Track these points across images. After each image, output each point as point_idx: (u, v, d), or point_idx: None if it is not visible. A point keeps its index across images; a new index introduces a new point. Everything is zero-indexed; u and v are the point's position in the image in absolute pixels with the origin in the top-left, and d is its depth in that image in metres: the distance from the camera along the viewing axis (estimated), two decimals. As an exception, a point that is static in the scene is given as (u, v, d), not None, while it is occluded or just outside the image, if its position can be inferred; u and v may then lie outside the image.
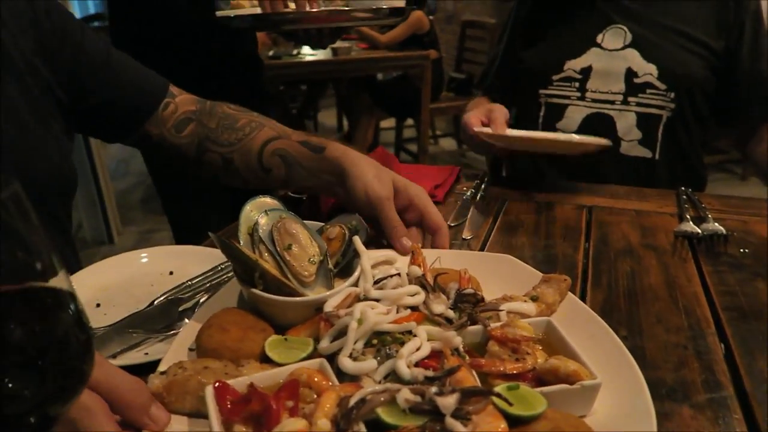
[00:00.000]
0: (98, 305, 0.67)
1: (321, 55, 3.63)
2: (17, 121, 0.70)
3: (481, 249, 0.82)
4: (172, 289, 0.67)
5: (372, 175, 0.69)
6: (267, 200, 0.60)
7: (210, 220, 1.26)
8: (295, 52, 3.61)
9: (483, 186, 1.03)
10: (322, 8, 1.13)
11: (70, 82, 0.76)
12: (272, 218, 0.58)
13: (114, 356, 0.56)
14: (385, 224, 0.67)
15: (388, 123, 4.37)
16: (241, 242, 0.57)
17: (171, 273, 0.72)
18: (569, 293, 0.59)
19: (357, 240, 0.60)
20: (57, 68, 0.75)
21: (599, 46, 1.22)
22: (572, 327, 0.52)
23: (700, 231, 0.82)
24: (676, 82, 1.16)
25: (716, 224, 0.83)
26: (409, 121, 4.25)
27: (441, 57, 3.89)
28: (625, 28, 1.19)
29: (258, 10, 1.06)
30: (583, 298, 0.68)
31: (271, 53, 3.53)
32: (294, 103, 5.47)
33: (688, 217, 0.86)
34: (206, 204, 1.31)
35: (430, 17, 4.07)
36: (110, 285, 0.70)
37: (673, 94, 1.17)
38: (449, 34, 5.20)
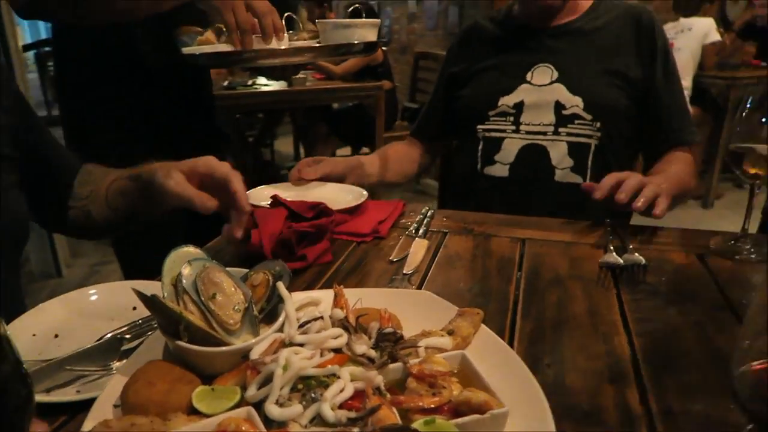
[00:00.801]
0: (56, 336, 0.69)
1: (276, 85, 3.65)
2: None
3: (420, 283, 0.84)
4: (126, 325, 0.68)
5: (163, 176, 0.79)
6: (191, 250, 0.61)
7: (159, 255, 1.25)
8: (250, 82, 3.62)
9: (425, 221, 1.06)
10: (295, 44, 1.15)
11: (24, 142, 0.82)
12: (196, 268, 0.59)
13: (47, 391, 0.57)
14: (187, 202, 0.77)
15: (345, 151, 4.41)
16: (165, 294, 0.57)
17: (134, 308, 0.73)
18: (482, 325, 0.61)
19: (281, 285, 0.61)
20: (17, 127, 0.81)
21: (529, 82, 1.29)
22: (485, 358, 0.55)
23: (621, 261, 0.86)
24: (600, 112, 1.23)
25: (636, 254, 0.88)
26: (365, 149, 4.30)
27: (395, 87, 3.97)
28: (551, 66, 1.28)
29: (226, 47, 1.08)
30: (512, 328, 0.71)
31: (226, 83, 3.53)
32: (251, 131, 5.47)
33: (611, 248, 0.90)
34: (155, 238, 1.29)
35: (384, 48, 4.17)
36: (72, 316, 0.72)
37: (598, 124, 1.24)
38: (403, 65, 5.32)
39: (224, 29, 1.05)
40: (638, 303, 0.76)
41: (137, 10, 1.05)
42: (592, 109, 1.24)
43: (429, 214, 1.09)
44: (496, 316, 0.74)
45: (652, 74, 1.25)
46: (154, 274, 0.79)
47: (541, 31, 1.32)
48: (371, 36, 1.16)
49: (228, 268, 0.62)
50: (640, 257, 0.87)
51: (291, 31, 1.37)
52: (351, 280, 0.85)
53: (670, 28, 3.73)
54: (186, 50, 1.11)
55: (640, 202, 0.92)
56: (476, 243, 0.99)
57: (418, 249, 0.94)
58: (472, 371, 0.53)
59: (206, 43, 1.13)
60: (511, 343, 0.67)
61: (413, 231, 1.02)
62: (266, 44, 1.03)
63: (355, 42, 1.10)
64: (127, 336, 0.66)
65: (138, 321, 0.69)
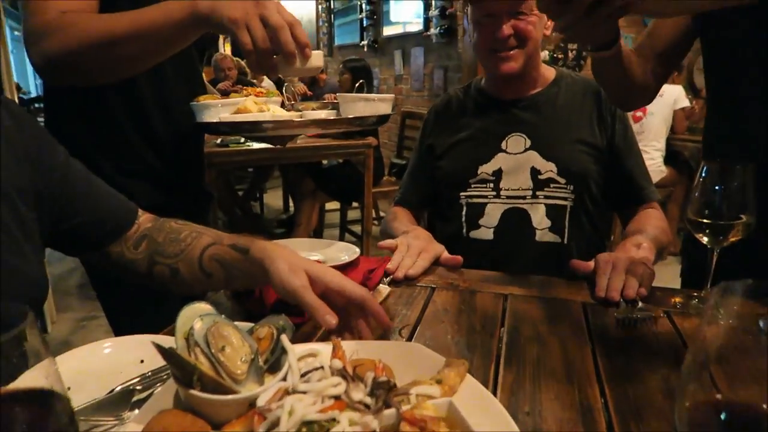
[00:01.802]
0: (69, 388, 0.71)
1: (267, 143, 3.78)
2: (10, 242, 0.76)
3: (410, 336, 0.90)
4: (135, 378, 0.72)
5: (287, 269, 0.78)
6: (202, 306, 0.67)
7: (146, 309, 1.23)
8: (242, 140, 3.74)
9: None
10: (313, 116, 1.22)
11: (52, 206, 0.84)
12: (206, 323, 0.65)
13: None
14: (306, 308, 0.76)
15: (334, 205, 4.50)
16: (178, 346, 0.63)
17: (142, 361, 0.77)
18: (468, 375, 0.67)
19: (284, 338, 0.67)
20: (44, 194, 0.82)
21: (505, 151, 1.41)
22: (470, 405, 0.61)
23: (635, 315, 0.94)
24: (572, 176, 1.34)
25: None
26: (354, 204, 4.40)
27: (379, 144, 4.11)
28: (524, 135, 1.39)
29: (249, 117, 1.12)
30: (495, 379, 0.77)
31: (219, 141, 3.64)
32: (240, 185, 5.57)
33: (623, 303, 0.99)
34: (142, 293, 1.27)
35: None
36: (83, 370, 0.75)
37: (572, 187, 1.34)
38: (391, 123, 5.48)
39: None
40: (610, 357, 0.83)
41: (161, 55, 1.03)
42: (565, 173, 1.34)
43: None
44: (481, 367, 0.80)
45: (613, 140, 1.39)
46: (143, 328, 0.85)
47: (510, 103, 1.44)
48: (387, 109, 1.27)
49: (236, 323, 0.68)
50: (650, 312, 0.95)
51: (294, 102, 1.47)
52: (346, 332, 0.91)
53: (643, 93, 3.94)
54: (207, 118, 1.18)
55: (631, 292, 1.00)
56: (462, 298, 1.05)
57: (378, 293, 1.06)
58: (459, 417, 0.59)
59: (245, 112, 1.20)
60: (494, 392, 0.73)
61: (383, 281, 1.11)
62: (290, 65, 0.94)
63: (373, 116, 1.20)
64: (138, 388, 0.71)
65: (147, 373, 0.74)
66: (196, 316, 0.66)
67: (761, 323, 0.37)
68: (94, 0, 1.04)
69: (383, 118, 1.23)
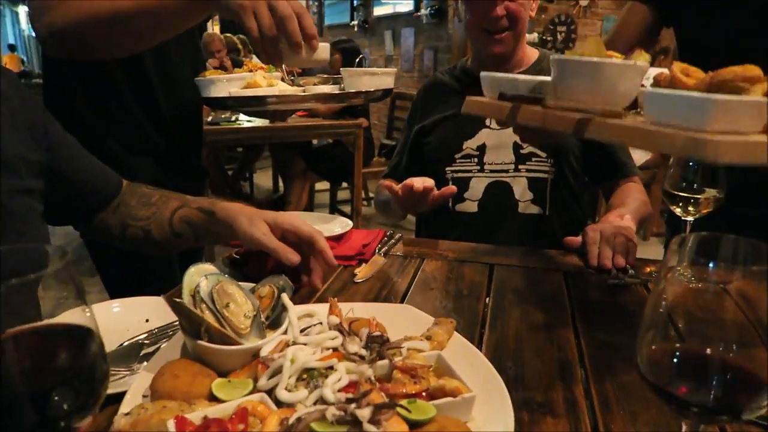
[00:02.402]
0: None
1: (258, 121, 3.79)
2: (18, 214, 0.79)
3: (402, 299, 0.96)
4: (143, 333, 0.78)
5: (247, 222, 0.88)
6: (206, 266, 0.72)
7: (145, 278, 1.24)
8: (233, 118, 3.75)
9: (390, 243, 1.21)
10: (318, 90, 1.23)
11: (50, 178, 0.87)
12: (211, 281, 0.69)
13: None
14: (270, 252, 0.85)
15: (324, 185, 4.53)
16: (185, 302, 0.67)
17: (147, 320, 0.83)
18: (455, 332, 0.73)
19: (284, 296, 0.72)
20: (43, 165, 0.86)
21: (488, 127, 1.45)
22: (457, 358, 0.66)
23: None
24: (552, 149, 1.39)
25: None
26: (344, 184, 4.43)
27: (370, 125, 4.13)
28: None
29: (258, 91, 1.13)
30: (481, 338, 0.83)
31: (209, 118, 3.64)
32: (230, 164, 5.57)
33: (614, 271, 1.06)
34: (141, 261, 1.25)
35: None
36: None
37: (552, 161, 1.39)
38: (381, 104, 5.51)
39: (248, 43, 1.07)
40: (586, 320, 0.89)
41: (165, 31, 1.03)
42: (546, 147, 1.39)
43: (396, 237, 1.23)
44: (468, 328, 0.85)
45: None
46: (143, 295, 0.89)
47: None
48: (391, 83, 1.30)
49: (239, 282, 0.73)
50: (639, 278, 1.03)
51: (293, 77, 1.49)
52: (340, 297, 0.96)
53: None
54: (213, 93, 1.17)
55: (621, 261, 1.08)
56: (450, 267, 1.11)
57: (374, 263, 1.11)
58: (447, 366, 0.65)
59: (255, 86, 1.21)
60: (479, 349, 0.78)
61: (377, 251, 1.16)
62: (295, 54, 0.94)
63: (378, 90, 1.22)
64: (146, 342, 0.76)
65: (154, 330, 0.79)
66: (201, 275, 0.70)
67: (710, 271, 0.42)
68: None
69: (387, 92, 1.27)
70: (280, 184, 5.29)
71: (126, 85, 1.19)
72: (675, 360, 0.45)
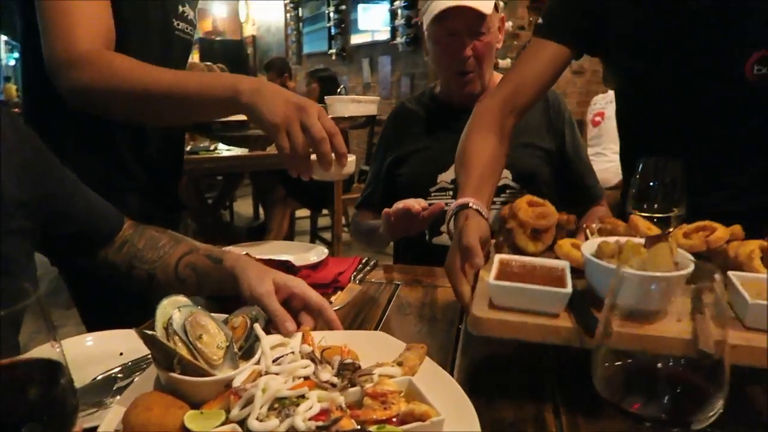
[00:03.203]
0: None
1: (237, 150, 3.80)
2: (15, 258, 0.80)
3: (377, 326, 0.97)
4: (116, 367, 0.78)
5: (254, 277, 0.85)
6: (180, 298, 0.72)
7: (123, 310, 1.24)
8: (212, 147, 3.76)
9: (366, 269, 1.22)
10: None
11: (49, 215, 0.87)
12: (185, 313, 0.70)
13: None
14: (269, 315, 0.82)
15: (304, 212, 4.54)
16: (158, 335, 0.68)
17: (121, 354, 0.82)
18: (426, 357, 0.74)
19: (257, 327, 0.73)
20: (42, 204, 0.85)
21: None
22: (427, 382, 0.67)
23: None
24: (527, 181, 1.43)
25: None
26: (324, 211, 4.44)
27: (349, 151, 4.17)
28: None
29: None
30: (453, 362, 0.85)
31: (188, 148, 3.65)
32: (210, 192, 5.55)
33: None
34: (119, 293, 1.26)
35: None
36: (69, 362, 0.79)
37: (526, 191, 1.42)
38: (360, 131, 5.56)
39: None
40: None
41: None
42: (520, 179, 1.43)
43: (371, 264, 1.24)
44: (441, 352, 0.87)
45: (563, 144, 1.47)
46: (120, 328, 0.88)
47: (464, 111, 1.51)
48: (374, 110, 1.34)
49: (212, 314, 0.73)
50: None
51: None
52: (315, 325, 0.97)
53: (600, 99, 4.11)
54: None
55: None
56: (425, 293, 1.12)
57: (349, 290, 1.11)
58: (416, 391, 0.66)
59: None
60: (451, 373, 0.80)
61: (353, 278, 1.17)
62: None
63: (362, 116, 1.25)
64: (119, 376, 0.76)
65: (128, 363, 0.79)
66: (174, 307, 0.71)
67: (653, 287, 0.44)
68: (110, 18, 1.05)
69: (371, 119, 1.30)
70: (261, 211, 5.29)
71: (119, 130, 1.19)
72: (626, 377, 0.47)
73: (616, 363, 0.47)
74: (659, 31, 1.09)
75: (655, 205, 0.99)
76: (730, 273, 0.76)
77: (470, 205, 0.93)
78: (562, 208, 1.55)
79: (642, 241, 0.78)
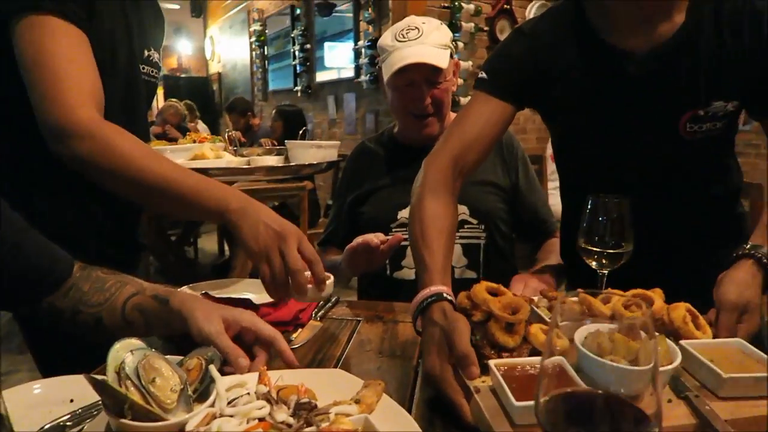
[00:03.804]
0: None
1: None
2: None
3: (336, 364, 0.97)
4: (66, 414, 0.75)
5: (202, 317, 0.84)
6: (133, 341, 0.72)
7: (78, 354, 1.20)
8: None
9: (327, 306, 1.22)
10: (264, 162, 1.25)
11: None
12: (137, 356, 0.69)
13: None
14: (221, 352, 0.81)
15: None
16: (109, 379, 0.67)
17: (71, 401, 0.79)
18: (384, 394, 0.74)
19: (212, 368, 0.72)
20: None
21: None
22: (384, 419, 0.68)
23: None
24: (482, 216, 1.46)
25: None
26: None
27: (315, 186, 4.19)
28: None
29: (193, 163, 1.14)
30: (411, 398, 0.85)
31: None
32: (174, 229, 5.46)
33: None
34: (74, 337, 1.22)
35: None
36: (16, 409, 0.73)
37: (483, 226, 1.46)
38: (325, 164, 5.59)
39: None
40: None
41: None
42: (476, 214, 1.47)
43: (333, 300, 1.24)
44: (400, 388, 0.87)
45: (517, 181, 1.53)
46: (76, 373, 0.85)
47: (422, 150, 1.54)
48: (334, 155, 1.36)
49: (167, 356, 0.73)
50: None
51: (236, 147, 1.54)
52: (275, 364, 0.96)
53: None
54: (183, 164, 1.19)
55: None
56: (385, 328, 1.13)
57: (310, 327, 1.12)
58: (372, 429, 0.66)
59: (202, 158, 1.23)
60: (410, 410, 0.80)
61: (314, 315, 1.17)
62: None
63: (323, 162, 1.27)
64: (68, 424, 0.74)
65: (77, 410, 0.76)
66: (127, 350, 0.70)
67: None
68: (98, 77, 1.06)
69: (332, 164, 1.32)
70: (226, 248, 5.22)
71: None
72: (567, 407, 0.48)
73: (557, 391, 0.49)
74: (598, 93, 1.15)
75: (606, 240, 1.03)
76: (683, 342, 0.82)
77: (445, 296, 0.90)
78: (518, 243, 1.60)
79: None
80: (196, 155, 1.27)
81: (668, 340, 0.81)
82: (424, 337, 0.87)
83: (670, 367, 0.75)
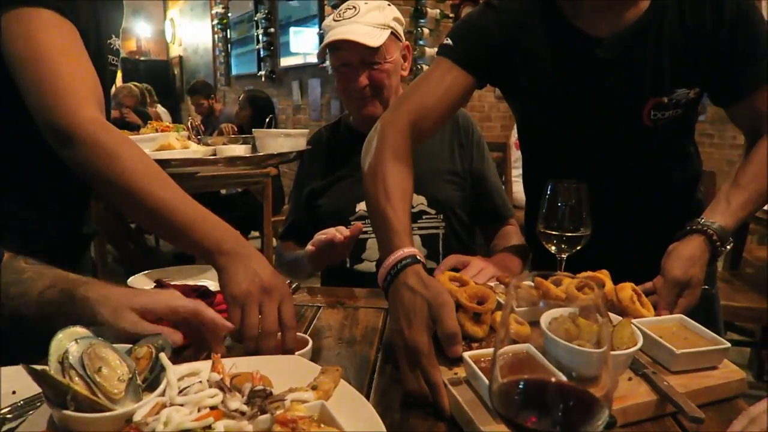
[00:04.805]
0: None
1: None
2: None
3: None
4: (6, 407, 0.72)
5: (111, 314, 0.79)
6: (78, 329, 0.68)
7: (20, 344, 1.15)
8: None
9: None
10: (229, 152, 1.21)
11: None
12: (82, 345, 0.66)
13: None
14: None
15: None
16: (52, 369, 0.64)
17: (14, 392, 0.76)
18: (342, 380, 0.73)
19: (163, 356, 0.70)
20: None
21: None
22: (341, 406, 0.67)
23: None
24: (441, 206, 1.46)
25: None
26: (255, 233, 4.36)
27: (279, 173, 4.13)
28: None
29: (159, 154, 1.09)
30: (370, 383, 0.84)
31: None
32: (135, 219, 5.32)
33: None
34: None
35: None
36: None
37: (441, 216, 1.46)
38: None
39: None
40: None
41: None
42: (434, 204, 1.46)
43: (293, 287, 1.21)
44: (359, 374, 0.87)
45: (471, 164, 1.52)
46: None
47: None
48: (303, 144, 1.32)
49: (114, 345, 0.70)
50: None
51: (201, 136, 1.50)
52: (233, 353, 0.94)
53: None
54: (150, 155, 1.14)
55: None
56: (346, 314, 1.12)
57: None
58: (329, 416, 0.65)
59: (169, 148, 1.19)
60: (368, 395, 0.80)
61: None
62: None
63: (292, 151, 1.23)
64: (9, 416, 0.70)
65: (19, 402, 0.73)
66: (71, 340, 0.67)
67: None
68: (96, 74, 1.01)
69: (301, 153, 1.28)
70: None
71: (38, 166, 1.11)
72: (521, 393, 0.48)
73: (512, 380, 0.49)
74: (563, 75, 1.14)
75: (564, 225, 1.04)
76: (635, 321, 0.86)
77: (418, 258, 0.88)
78: (475, 229, 1.60)
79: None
80: (162, 146, 1.22)
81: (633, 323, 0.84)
82: (402, 303, 0.82)
83: (635, 348, 0.78)
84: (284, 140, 1.26)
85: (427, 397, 0.76)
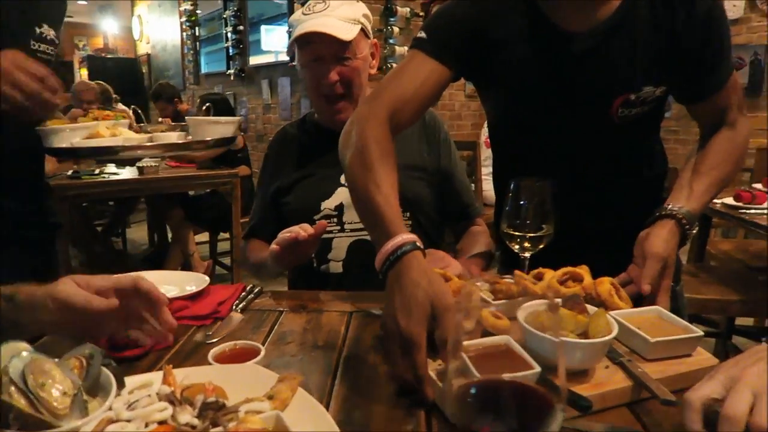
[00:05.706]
0: None
1: (127, 173, 3.59)
2: None
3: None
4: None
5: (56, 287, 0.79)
6: (18, 345, 0.65)
7: None
8: (97, 171, 3.53)
9: (249, 297, 1.18)
10: (165, 139, 1.19)
11: None
12: (24, 360, 0.63)
13: None
14: (82, 310, 0.77)
15: (203, 236, 4.36)
16: (-9, 387, 0.61)
17: None
18: (300, 388, 0.72)
19: (106, 371, 0.67)
20: None
21: (344, 185, 1.41)
22: (298, 416, 0.66)
23: None
24: (408, 203, 1.43)
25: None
26: (225, 234, 4.30)
27: (251, 173, 4.08)
28: None
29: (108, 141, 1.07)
30: (331, 389, 0.82)
31: (70, 172, 3.41)
32: (101, 219, 5.20)
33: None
34: None
35: (242, 134, 4.31)
36: None
37: (408, 213, 1.44)
38: (260, 152, 5.48)
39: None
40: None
41: None
42: (403, 202, 1.42)
43: (255, 291, 1.20)
44: (320, 380, 0.85)
45: (439, 162, 1.51)
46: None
47: None
48: (232, 131, 1.31)
49: (55, 359, 0.67)
50: None
51: (143, 124, 1.46)
52: (190, 361, 0.92)
53: (493, 121, 4.32)
54: (56, 143, 1.13)
55: None
56: (309, 318, 1.10)
57: (230, 320, 1.08)
58: (284, 427, 0.63)
59: (97, 137, 1.16)
60: (328, 403, 0.78)
61: (234, 307, 1.13)
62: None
63: (221, 138, 1.22)
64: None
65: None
66: (11, 355, 0.64)
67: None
68: None
69: (231, 140, 1.27)
70: (156, 238, 5.02)
71: None
72: (475, 400, 0.47)
73: (465, 388, 0.48)
74: (536, 69, 1.14)
75: (527, 222, 1.04)
76: (613, 313, 0.88)
77: (418, 245, 0.87)
78: (443, 227, 1.60)
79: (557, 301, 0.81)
80: (91, 134, 1.20)
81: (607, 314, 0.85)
82: (402, 292, 0.81)
83: (610, 336, 0.79)
84: (213, 127, 1.25)
85: (413, 384, 0.76)
